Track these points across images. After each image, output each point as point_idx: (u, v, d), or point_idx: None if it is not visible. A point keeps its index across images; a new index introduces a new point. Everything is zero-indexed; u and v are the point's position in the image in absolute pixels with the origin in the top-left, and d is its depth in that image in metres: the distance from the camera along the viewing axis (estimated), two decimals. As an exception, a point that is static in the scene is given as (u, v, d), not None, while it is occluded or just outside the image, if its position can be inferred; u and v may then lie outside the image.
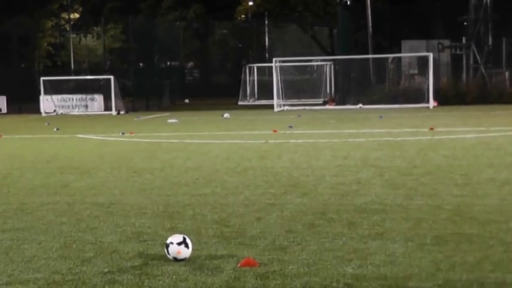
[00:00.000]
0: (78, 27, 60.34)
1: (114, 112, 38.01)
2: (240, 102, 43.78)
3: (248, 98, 44.98)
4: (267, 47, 58.07)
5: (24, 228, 8.14)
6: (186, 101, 48.92)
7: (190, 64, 64.47)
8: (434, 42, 40.04)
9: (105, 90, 39.22)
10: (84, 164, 14.18)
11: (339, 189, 10.27)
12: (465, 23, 39.87)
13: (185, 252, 6.42)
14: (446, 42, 39.96)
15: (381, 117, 27.63)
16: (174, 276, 6.02)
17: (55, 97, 40.06)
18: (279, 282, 5.79)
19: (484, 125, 22.02)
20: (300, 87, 42.70)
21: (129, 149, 17.59)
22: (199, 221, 8.29)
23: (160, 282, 5.87)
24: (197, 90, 55.65)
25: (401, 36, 42.97)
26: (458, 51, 39.48)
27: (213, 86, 58.74)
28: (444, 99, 35.45)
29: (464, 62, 39.08)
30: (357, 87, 38.63)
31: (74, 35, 57.99)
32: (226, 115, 31.57)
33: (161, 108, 42.65)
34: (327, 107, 37.75)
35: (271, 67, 38.55)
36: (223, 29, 62.01)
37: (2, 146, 19.32)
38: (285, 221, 8.12)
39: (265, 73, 46.29)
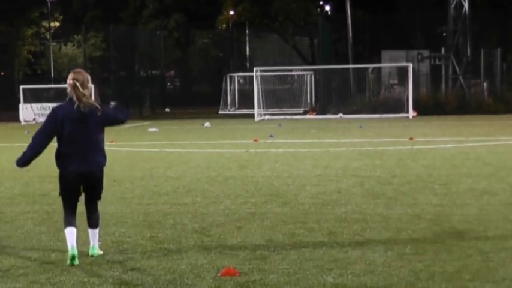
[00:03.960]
0: (59, 35, 60.04)
1: (94, 121, 37.81)
2: (220, 112, 43.73)
3: (229, 107, 44.95)
4: (247, 57, 58.14)
5: (3, 238, 8.07)
6: (167, 109, 48.82)
7: (171, 73, 64.39)
8: (414, 52, 40.28)
9: (85, 98, 38.98)
10: (64, 173, 14.08)
11: (320, 198, 10.30)
12: (444, 34, 40.19)
13: None
14: (426, 53, 40.21)
15: (361, 127, 27.74)
16: (154, 286, 6.01)
17: (35, 105, 39.78)
18: (259, 291, 5.79)
19: (463, 135, 22.19)
20: (280, 96, 42.75)
21: (109, 157, 17.43)
22: (180, 230, 8.27)
23: (140, 291, 5.85)
24: (178, 99, 55.53)
25: (382, 46, 43.20)
26: (437, 62, 39.75)
27: (193, 95, 58.67)
28: (423, 109, 35.65)
29: (443, 72, 39.35)
30: (337, 97, 38.75)
31: (54, 43, 57.70)
32: (206, 124, 31.53)
33: (142, 117, 42.51)
34: (308, 116, 37.82)
35: (252, 76, 38.58)
36: (204, 38, 62.01)
37: (-19, 155, 19.14)
38: (266, 231, 8.13)
39: (246, 82, 46.34)
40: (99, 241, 7.19)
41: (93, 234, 7.07)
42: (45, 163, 16.29)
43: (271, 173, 13.37)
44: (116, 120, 7.15)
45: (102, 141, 7.02)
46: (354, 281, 6.00)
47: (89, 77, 6.97)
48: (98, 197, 7.11)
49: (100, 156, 7.02)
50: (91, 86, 7.03)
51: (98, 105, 6.84)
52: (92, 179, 6.98)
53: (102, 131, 6.97)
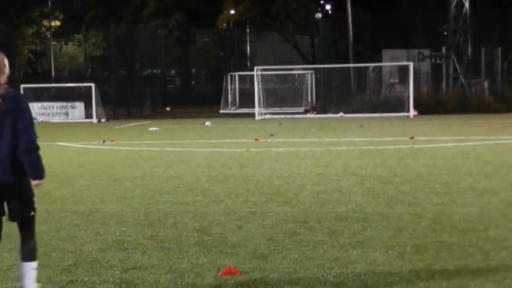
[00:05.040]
0: (59, 34, 60.05)
1: (95, 120, 37.83)
2: (221, 111, 43.73)
3: (229, 106, 44.95)
4: (248, 56, 58.14)
5: (3, 237, 8.05)
6: (168, 109, 48.83)
7: (172, 72, 64.40)
8: (415, 51, 40.29)
9: (86, 97, 39.06)
10: (65, 172, 14.09)
11: (320, 197, 10.30)
12: (445, 33, 40.19)
13: None
14: (427, 52, 40.22)
15: (361, 126, 27.74)
16: (155, 285, 6.00)
17: (35, 105, 39.73)
18: (260, 290, 5.79)
19: (463, 134, 22.18)
20: (281, 95, 42.77)
21: (110, 157, 17.52)
22: (180, 229, 8.27)
23: (141, 290, 5.85)
24: (178, 98, 55.54)
25: (382, 45, 43.20)
26: (438, 61, 39.76)
27: (194, 94, 58.69)
28: (424, 108, 35.65)
29: (444, 71, 39.35)
30: (337, 96, 38.76)
31: (54, 43, 57.70)
32: (207, 123, 31.53)
33: (142, 116, 42.53)
34: (308, 115, 37.81)
35: (253, 75, 38.59)
36: (205, 37, 61.99)
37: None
38: (266, 230, 8.12)
39: (247, 81, 46.30)
40: (37, 283, 5.55)
41: (26, 271, 5.36)
42: (45, 163, 16.32)
43: (271, 172, 13.38)
44: (24, 122, 5.39)
45: (17, 141, 5.43)
46: (354, 280, 5.99)
47: (6, 61, 5.28)
48: (25, 218, 5.59)
49: (16, 163, 5.48)
50: (8, 71, 5.30)
51: (13, 94, 5.31)
52: (10, 193, 5.46)
53: (17, 131, 5.36)
